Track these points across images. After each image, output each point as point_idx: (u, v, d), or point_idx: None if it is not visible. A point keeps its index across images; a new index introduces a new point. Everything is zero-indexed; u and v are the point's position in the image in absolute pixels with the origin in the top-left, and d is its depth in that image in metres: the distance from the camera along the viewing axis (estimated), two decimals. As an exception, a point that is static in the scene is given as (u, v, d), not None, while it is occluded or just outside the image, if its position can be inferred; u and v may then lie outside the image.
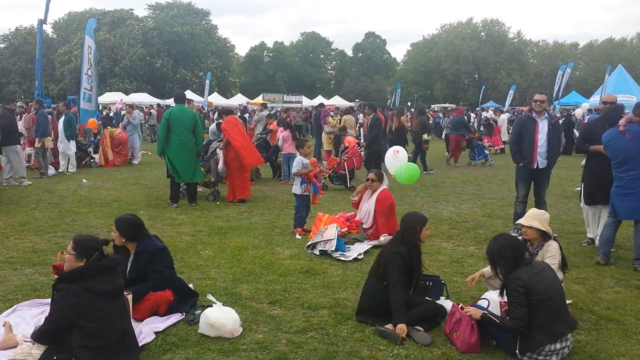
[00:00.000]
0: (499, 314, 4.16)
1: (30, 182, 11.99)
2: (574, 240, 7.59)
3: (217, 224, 8.30)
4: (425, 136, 15.53)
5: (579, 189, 11.60)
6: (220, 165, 10.32)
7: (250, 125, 16.57)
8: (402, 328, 4.25)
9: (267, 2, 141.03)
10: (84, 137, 16.43)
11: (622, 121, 6.25)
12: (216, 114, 23.19)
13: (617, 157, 6.27)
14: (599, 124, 7.22)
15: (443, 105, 54.13)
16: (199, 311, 4.57)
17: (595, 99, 26.16)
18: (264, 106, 18.53)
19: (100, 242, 3.86)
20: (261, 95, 50.13)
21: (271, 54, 76.90)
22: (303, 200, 7.88)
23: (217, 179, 10.55)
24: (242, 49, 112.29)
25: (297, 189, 7.88)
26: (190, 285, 5.25)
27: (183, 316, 4.64)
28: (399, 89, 39.99)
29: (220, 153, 10.38)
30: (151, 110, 26.43)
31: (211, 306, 4.41)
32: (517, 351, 3.93)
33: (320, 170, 8.15)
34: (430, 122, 22.06)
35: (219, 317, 4.28)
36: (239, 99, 47.72)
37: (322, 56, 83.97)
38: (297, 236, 7.54)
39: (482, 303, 4.38)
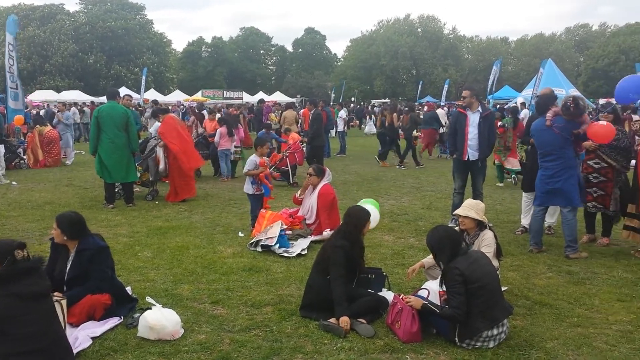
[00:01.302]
0: (439, 303, 4.26)
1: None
2: (509, 229, 7.88)
3: (156, 224, 8.10)
4: (415, 132, 15.79)
5: (510, 179, 12.17)
6: (162, 166, 10.05)
7: (188, 123, 16.26)
8: (345, 321, 4.28)
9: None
10: (14, 136, 15.63)
11: (549, 114, 6.49)
12: (148, 112, 22.30)
13: (544, 147, 6.54)
14: (537, 117, 7.52)
15: (383, 100, 54.98)
16: (137, 314, 4.45)
17: (527, 93, 27.17)
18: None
19: (14, 245, 3.63)
20: (200, 91, 49.26)
21: (210, 49, 75.65)
22: (256, 199, 7.78)
23: (156, 177, 10.27)
24: (179, 44, 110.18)
25: (248, 188, 7.81)
26: (129, 288, 5.11)
27: (121, 320, 4.51)
28: (343, 86, 40.30)
29: (160, 152, 10.09)
30: (84, 108, 25.48)
31: (150, 308, 4.30)
32: (456, 338, 4.04)
33: (270, 172, 8.04)
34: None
35: (159, 319, 4.17)
36: (176, 96, 46.70)
37: (262, 52, 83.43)
38: (240, 234, 7.45)
39: (422, 293, 4.48)
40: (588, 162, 6.81)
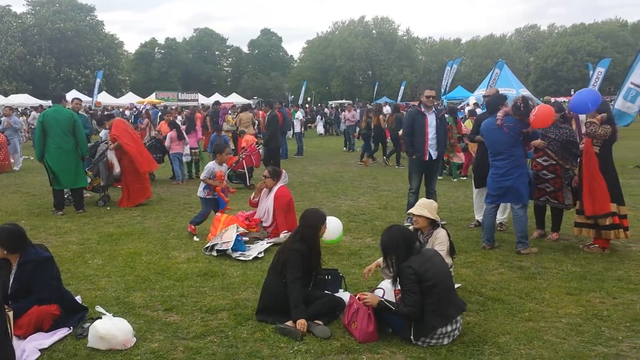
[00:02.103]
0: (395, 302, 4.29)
1: None
2: (462, 226, 8.02)
3: (107, 231, 7.88)
4: (401, 132, 15.85)
5: (465, 178, 12.42)
6: (118, 170, 9.79)
7: (142, 125, 15.93)
8: (302, 324, 4.26)
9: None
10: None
11: (499, 114, 6.64)
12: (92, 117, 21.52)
13: (495, 147, 6.68)
14: (486, 115, 7.69)
15: (340, 101, 55.24)
16: (87, 324, 4.31)
17: (479, 93, 27.80)
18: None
19: None
20: (154, 93, 48.40)
21: (163, 51, 74.49)
22: (208, 203, 7.66)
23: (107, 182, 9.99)
24: (131, 46, 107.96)
25: (200, 192, 7.71)
26: (78, 298, 4.95)
27: (70, 330, 4.36)
28: (304, 87, 40.28)
29: (112, 156, 9.82)
30: (32, 112, 24.63)
31: (101, 318, 4.17)
32: (411, 336, 4.07)
33: (226, 187, 7.89)
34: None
35: (110, 329, 4.05)
36: (129, 98, 45.74)
37: (217, 53, 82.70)
38: (195, 238, 7.33)
39: (378, 292, 4.51)
40: (537, 159, 7.00)
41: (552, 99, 32.07)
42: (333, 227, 6.75)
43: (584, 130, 6.70)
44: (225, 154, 7.84)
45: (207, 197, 7.67)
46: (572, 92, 48.98)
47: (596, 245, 6.54)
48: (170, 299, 5.09)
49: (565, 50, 68.23)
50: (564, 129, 6.87)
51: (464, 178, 12.77)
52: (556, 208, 7.08)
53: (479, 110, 19.41)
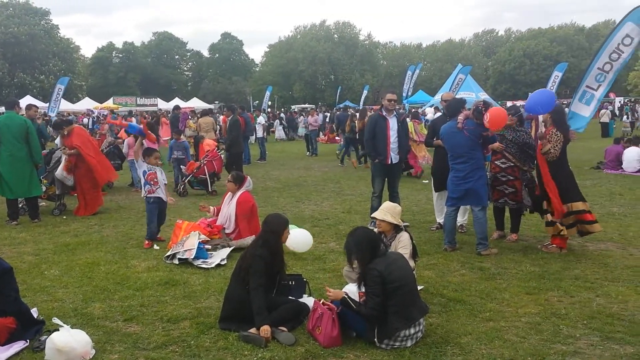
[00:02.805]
0: (358, 305, 4.30)
1: None
2: (424, 229, 8.11)
3: (64, 240, 7.66)
4: None
5: (427, 181, 12.58)
6: (71, 182, 9.51)
7: (102, 131, 15.59)
8: (265, 330, 4.22)
9: (115, 1, 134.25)
10: None
11: (460, 117, 6.75)
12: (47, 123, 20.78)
13: (455, 150, 6.77)
14: (442, 119, 7.80)
15: (302, 105, 55.34)
16: (44, 337, 4.19)
17: (440, 97, 28.24)
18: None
19: None
20: (112, 98, 47.43)
21: (121, 55, 73.20)
22: (152, 208, 7.39)
23: (63, 191, 9.71)
24: (88, 50, 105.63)
25: (143, 192, 7.45)
26: (34, 310, 4.78)
27: (27, 344, 4.22)
28: (269, 92, 40.05)
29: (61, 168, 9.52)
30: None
31: (58, 330, 4.04)
32: (375, 339, 4.08)
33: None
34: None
35: (68, 341, 3.94)
36: (86, 103, 44.65)
37: (177, 57, 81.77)
38: (155, 246, 7.18)
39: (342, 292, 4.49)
40: (495, 162, 7.13)
41: (510, 103, 32.86)
42: (302, 240, 6.73)
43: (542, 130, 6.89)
44: (154, 157, 7.55)
45: (148, 195, 7.37)
46: (529, 95, 50.44)
47: (554, 245, 6.71)
48: (130, 309, 4.97)
49: (522, 55, 70.13)
50: (521, 132, 7.03)
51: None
52: (514, 209, 7.22)
53: (439, 115, 19.79)
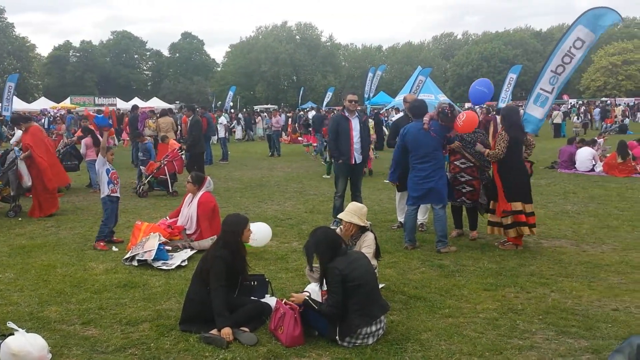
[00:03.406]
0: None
1: None
2: (386, 228, 8.20)
3: (19, 243, 7.43)
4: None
5: (387, 181, 12.70)
6: (29, 183, 9.22)
7: (59, 131, 15.18)
8: (226, 332, 4.19)
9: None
10: None
11: (426, 118, 6.86)
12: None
13: (420, 150, 6.85)
14: (404, 120, 7.90)
15: (265, 106, 55.13)
16: (-2, 341, 4.04)
17: (401, 98, 28.60)
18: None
19: None
20: (69, 98, 46.22)
21: (78, 54, 71.46)
22: (113, 208, 7.26)
23: (18, 192, 9.40)
24: (44, 49, 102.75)
25: (104, 189, 7.23)
26: (-15, 315, 4.62)
27: (-21, 350, 4.06)
28: (232, 92, 39.60)
29: (23, 167, 9.23)
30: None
31: (13, 334, 3.92)
32: (337, 337, 4.11)
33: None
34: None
35: (23, 345, 3.82)
36: (42, 103, 43.40)
37: (136, 56, 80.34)
38: (114, 248, 7.04)
39: (304, 295, 4.50)
40: (455, 162, 7.27)
41: (467, 105, 33.52)
42: (262, 233, 6.70)
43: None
44: (110, 154, 7.41)
45: (111, 194, 7.22)
46: (487, 98, 51.45)
47: (510, 242, 6.88)
48: (87, 312, 4.87)
49: (480, 57, 71.73)
50: (478, 133, 7.20)
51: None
52: (471, 208, 7.38)
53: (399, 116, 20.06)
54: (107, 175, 7.18)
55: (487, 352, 4.00)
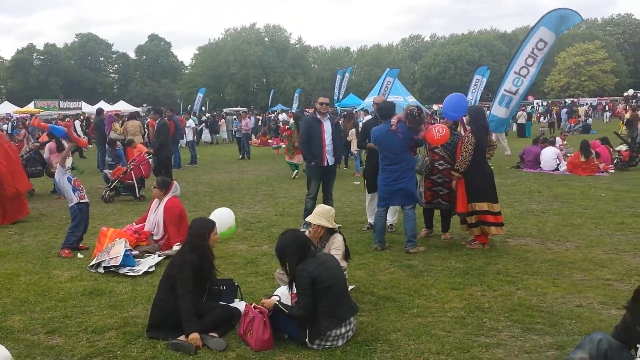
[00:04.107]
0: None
1: None
2: (356, 229, 8.23)
3: (-20, 251, 7.22)
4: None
5: (358, 182, 12.79)
6: None
7: (19, 137, 14.80)
8: (194, 338, 4.15)
9: (35, 1, 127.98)
10: None
11: (393, 120, 6.92)
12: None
13: (388, 152, 6.91)
14: (373, 122, 7.95)
15: (235, 109, 54.82)
16: (-44, 355, 3.91)
17: (370, 100, 28.78)
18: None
19: None
20: (33, 102, 45.18)
21: (42, 57, 69.90)
22: (84, 215, 7.13)
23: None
24: (7, 52, 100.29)
25: (73, 199, 7.08)
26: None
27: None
28: (202, 94, 39.18)
29: None
30: None
31: (-27, 346, 3.80)
32: (306, 340, 4.11)
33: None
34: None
35: (-16, 357, 3.71)
36: (5, 108, 42.31)
37: (102, 59, 79.02)
38: (79, 255, 6.90)
39: (274, 300, 4.49)
40: (434, 164, 7.31)
41: (437, 107, 33.96)
42: (223, 218, 6.58)
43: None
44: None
45: (80, 201, 7.09)
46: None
47: (477, 241, 6.98)
48: (52, 321, 4.77)
49: (447, 59, 72.70)
50: (457, 136, 7.28)
51: None
52: (446, 210, 7.45)
53: (368, 118, 20.16)
54: (70, 183, 7.02)
55: (454, 350, 4.05)
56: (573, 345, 3.90)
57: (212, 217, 5.46)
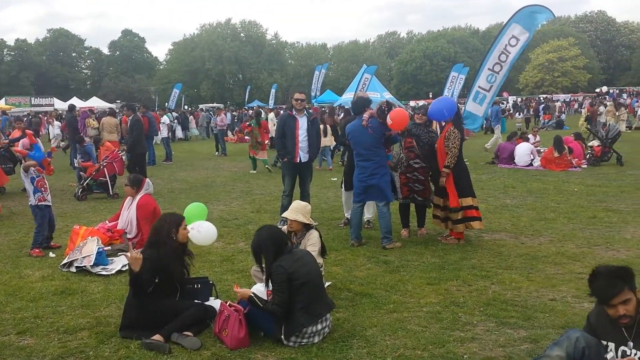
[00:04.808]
0: (266, 302, 4.29)
1: None
2: (333, 225, 8.23)
3: (-53, 251, 7.03)
4: None
5: (335, 179, 12.79)
6: None
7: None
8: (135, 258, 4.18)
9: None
10: None
11: (365, 115, 6.91)
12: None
13: (360, 147, 6.92)
14: (350, 119, 7.93)
15: (211, 105, 54.35)
16: None
17: (347, 97, 28.76)
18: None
19: None
20: (3, 98, 44.12)
21: (13, 53, 68.43)
22: (43, 215, 6.95)
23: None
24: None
25: (31, 199, 6.94)
26: None
27: None
28: (178, 90, 38.63)
29: None
30: None
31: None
32: (282, 337, 4.09)
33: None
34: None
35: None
36: (-26, 104, 41.23)
37: (74, 54, 77.62)
38: (51, 254, 6.76)
39: (249, 292, 4.45)
40: (409, 161, 7.32)
41: (414, 103, 34.10)
42: (207, 233, 6.55)
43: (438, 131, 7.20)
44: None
45: (38, 203, 6.91)
46: (430, 95, 52.53)
47: (452, 236, 7.04)
48: (23, 321, 4.68)
49: (423, 56, 73.16)
50: (432, 134, 7.29)
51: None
52: (420, 205, 7.48)
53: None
54: (33, 183, 6.86)
55: (430, 345, 4.08)
56: (547, 339, 3.97)
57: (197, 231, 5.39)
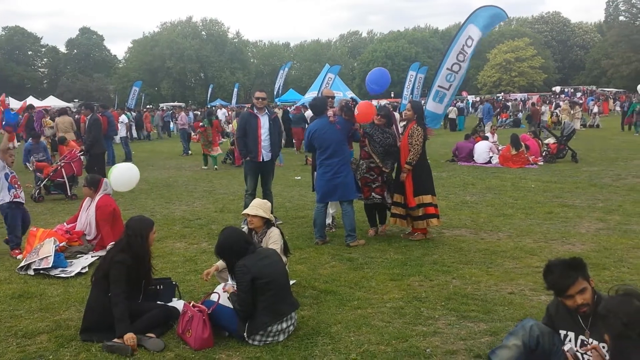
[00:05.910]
0: (230, 305, 4.26)
1: None
2: (297, 224, 8.24)
3: None
4: None
5: (299, 177, 12.81)
6: None
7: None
8: (129, 337, 4.03)
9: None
10: None
11: (330, 112, 6.94)
12: None
13: (326, 145, 6.91)
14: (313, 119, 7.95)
15: (172, 104, 53.58)
16: None
17: (310, 96, 28.83)
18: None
19: None
20: (-46, 98, 42.43)
21: (-35, 51, 65.95)
22: (16, 213, 6.78)
23: None
24: None
25: (5, 196, 6.73)
26: None
27: None
28: (138, 87, 37.84)
29: None
30: None
31: None
32: (244, 334, 4.09)
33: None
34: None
35: None
36: None
37: (30, 53, 75.33)
38: (19, 257, 6.56)
39: (214, 297, 4.43)
40: (366, 164, 7.37)
41: (376, 102, 34.36)
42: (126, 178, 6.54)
43: (400, 129, 7.28)
44: (9, 155, 6.92)
45: (14, 199, 6.73)
46: (392, 95, 53.00)
47: (418, 233, 7.13)
48: (-22, 327, 4.52)
49: (384, 55, 73.83)
50: (387, 133, 7.29)
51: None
52: (380, 203, 7.57)
53: (308, 113, 20.28)
54: (7, 180, 6.67)
55: (393, 340, 4.13)
56: (506, 331, 4.06)
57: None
